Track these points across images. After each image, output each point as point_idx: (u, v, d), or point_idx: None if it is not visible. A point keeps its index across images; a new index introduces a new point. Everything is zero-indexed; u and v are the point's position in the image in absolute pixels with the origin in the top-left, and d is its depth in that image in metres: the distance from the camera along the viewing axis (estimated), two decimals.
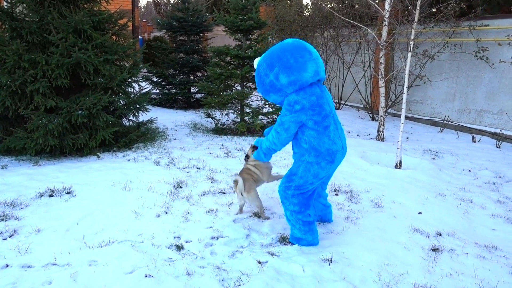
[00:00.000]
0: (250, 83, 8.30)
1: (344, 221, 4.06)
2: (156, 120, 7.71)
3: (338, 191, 4.86)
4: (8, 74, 5.62)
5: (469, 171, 5.85)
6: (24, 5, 6.03)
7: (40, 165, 5.56)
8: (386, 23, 7.11)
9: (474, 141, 7.73)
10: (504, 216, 4.31)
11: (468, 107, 8.77)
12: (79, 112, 5.72)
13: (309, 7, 14.70)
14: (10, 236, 3.51)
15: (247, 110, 8.06)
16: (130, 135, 6.46)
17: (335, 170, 3.63)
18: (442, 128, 8.82)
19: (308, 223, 3.49)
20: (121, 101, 6.60)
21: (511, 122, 7.95)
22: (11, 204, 4.16)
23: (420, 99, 9.79)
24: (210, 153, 6.37)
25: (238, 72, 7.62)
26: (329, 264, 3.24)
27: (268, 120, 8.21)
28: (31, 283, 2.87)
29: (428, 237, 3.77)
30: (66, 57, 5.72)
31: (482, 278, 3.12)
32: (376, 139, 7.69)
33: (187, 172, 5.41)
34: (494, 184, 5.33)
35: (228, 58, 8.15)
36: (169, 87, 10.87)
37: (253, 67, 7.77)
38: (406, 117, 9.25)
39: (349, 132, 8.42)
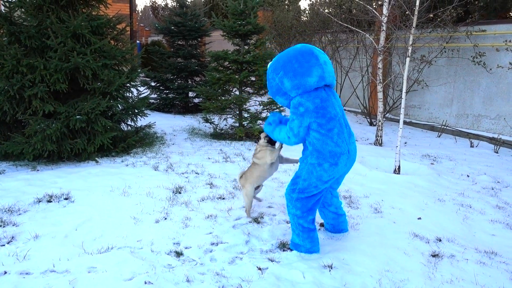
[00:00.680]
0: (248, 88, 8.30)
1: None
2: (155, 125, 7.70)
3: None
4: (6, 79, 5.60)
5: (468, 176, 5.86)
6: (23, 10, 6.02)
7: (38, 170, 5.53)
8: (384, 28, 7.14)
9: (472, 146, 7.75)
10: (503, 221, 4.32)
11: (466, 112, 8.80)
12: (77, 117, 5.70)
13: (307, 12, 14.78)
14: (8, 243, 3.49)
15: (246, 115, 8.06)
16: (128, 140, 6.44)
17: (344, 175, 3.60)
18: (440, 133, 8.85)
19: (307, 230, 3.48)
20: (119, 106, 6.58)
21: (509, 127, 7.98)
22: (9, 210, 4.13)
23: (418, 104, 9.82)
24: (209, 158, 6.36)
25: (237, 77, 7.63)
26: (330, 270, 3.22)
27: None
28: None
29: (428, 242, 3.76)
30: (64, 62, 5.70)
31: (483, 285, 3.12)
32: (375, 144, 7.70)
33: (186, 177, 5.40)
34: (492, 189, 5.33)
35: (226, 63, 8.16)
36: (167, 91, 10.87)
37: (252, 72, 7.80)
38: (404, 122, 9.25)
39: None
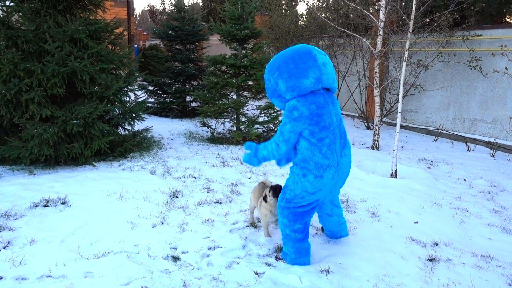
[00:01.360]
0: (246, 92, 8.32)
1: None
2: (152, 129, 7.70)
3: None
4: (3, 83, 5.59)
5: (464, 180, 5.88)
6: (20, 14, 6.02)
7: (34, 174, 5.52)
8: (381, 33, 7.18)
9: (468, 150, 7.77)
10: (500, 225, 4.33)
11: (462, 116, 8.84)
12: (74, 121, 5.70)
13: (304, 16, 14.83)
14: (4, 248, 3.47)
15: (243, 119, 8.07)
16: (125, 144, 6.43)
17: (336, 187, 3.42)
18: (436, 137, 8.88)
19: (294, 239, 3.34)
20: (116, 110, 6.58)
21: (505, 131, 8.02)
22: (5, 215, 4.11)
23: (415, 108, 9.85)
24: (206, 162, 6.36)
25: (234, 81, 7.65)
26: (327, 275, 3.22)
27: (264, 129, 8.22)
28: None
29: (425, 247, 3.77)
30: (62, 66, 5.71)
31: None
32: (372, 148, 7.71)
33: (183, 182, 5.39)
34: (489, 193, 5.35)
35: (224, 67, 8.17)
36: (165, 95, 10.87)
37: (249, 76, 7.82)
38: (401, 126, 9.29)
39: None
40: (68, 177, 5.39)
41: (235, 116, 8.05)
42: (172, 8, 11.95)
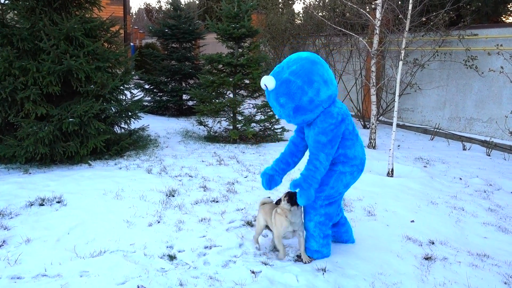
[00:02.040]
0: (242, 91, 8.31)
1: None
2: (148, 127, 7.68)
3: None
4: None
5: (460, 179, 5.90)
6: (15, 12, 5.99)
7: (30, 173, 5.49)
8: (377, 31, 7.18)
9: (464, 149, 7.80)
10: (496, 224, 4.35)
11: (458, 115, 8.87)
12: (70, 119, 5.67)
13: (300, 15, 14.84)
14: None
15: (240, 118, 8.06)
16: (121, 143, 6.41)
17: None
18: (433, 136, 8.90)
19: (328, 236, 3.46)
20: (112, 108, 6.55)
21: (500, 130, 8.05)
22: (0, 214, 4.09)
23: (411, 107, 9.87)
24: (203, 161, 6.35)
25: (231, 79, 7.63)
26: (323, 273, 3.23)
27: (261, 127, 8.22)
28: None
29: (421, 245, 3.78)
30: (57, 64, 5.67)
31: (475, 287, 3.14)
32: (368, 147, 7.72)
33: (180, 181, 5.38)
34: (485, 192, 5.37)
35: (220, 66, 8.16)
36: (161, 94, 10.84)
37: (246, 74, 7.80)
38: (397, 125, 9.30)
39: None
40: (64, 176, 5.37)
41: (231, 115, 8.04)
42: (169, 6, 11.93)
